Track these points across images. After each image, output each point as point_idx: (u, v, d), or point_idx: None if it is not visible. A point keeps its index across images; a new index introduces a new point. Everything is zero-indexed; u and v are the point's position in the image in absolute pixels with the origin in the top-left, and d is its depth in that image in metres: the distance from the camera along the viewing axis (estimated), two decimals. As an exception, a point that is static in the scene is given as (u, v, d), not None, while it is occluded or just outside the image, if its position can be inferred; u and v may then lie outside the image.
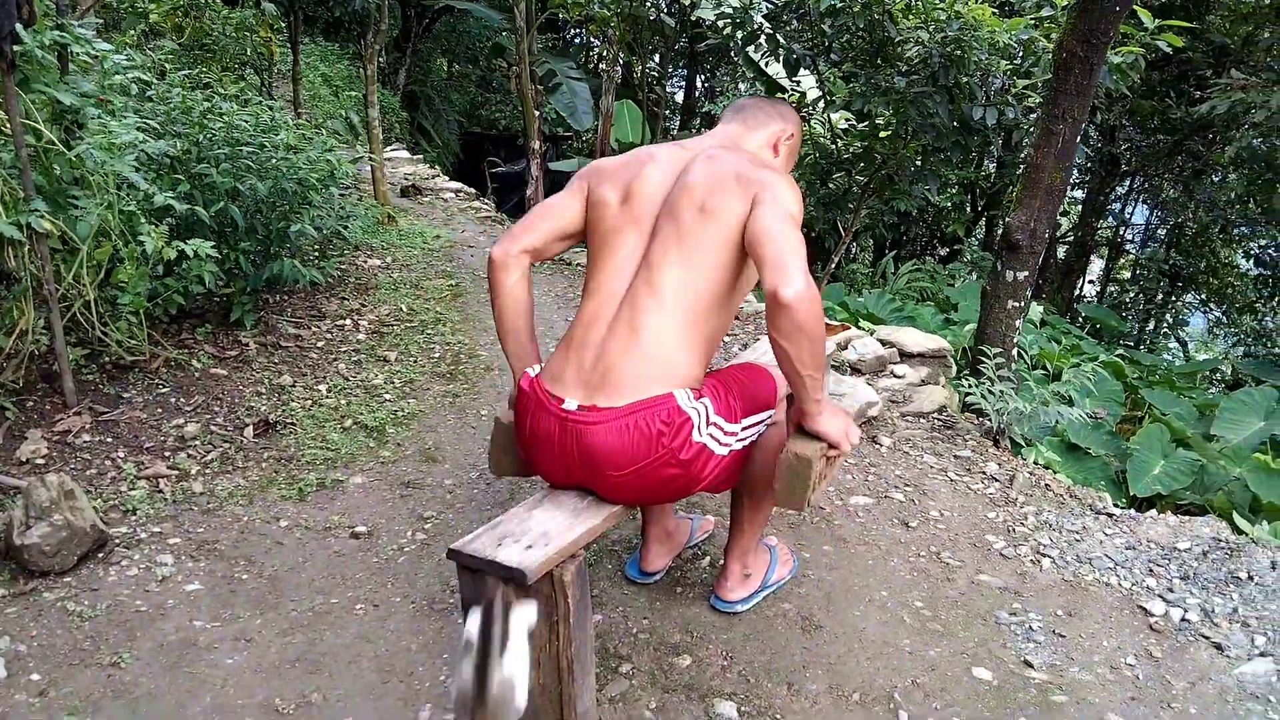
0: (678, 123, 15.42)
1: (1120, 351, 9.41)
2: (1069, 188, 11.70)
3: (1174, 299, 14.55)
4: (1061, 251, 13.19)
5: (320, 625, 2.44)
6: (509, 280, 2.17)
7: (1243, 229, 12.72)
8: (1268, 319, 14.06)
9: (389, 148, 10.33)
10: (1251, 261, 13.30)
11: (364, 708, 2.14)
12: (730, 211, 1.99)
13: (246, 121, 4.27)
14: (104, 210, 3.21)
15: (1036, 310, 8.98)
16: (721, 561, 2.58)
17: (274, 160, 4.13)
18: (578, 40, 15.45)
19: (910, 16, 5.41)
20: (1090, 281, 15.54)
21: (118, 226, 3.28)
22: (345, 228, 4.76)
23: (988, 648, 2.41)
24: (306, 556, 2.76)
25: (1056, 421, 5.15)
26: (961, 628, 2.50)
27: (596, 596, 2.56)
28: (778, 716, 2.14)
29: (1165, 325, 14.79)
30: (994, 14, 5.24)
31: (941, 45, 5.06)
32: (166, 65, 5.60)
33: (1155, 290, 14.31)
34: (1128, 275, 15.42)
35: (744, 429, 2.11)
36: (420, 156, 11.32)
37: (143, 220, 3.36)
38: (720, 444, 2.04)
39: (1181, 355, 14.09)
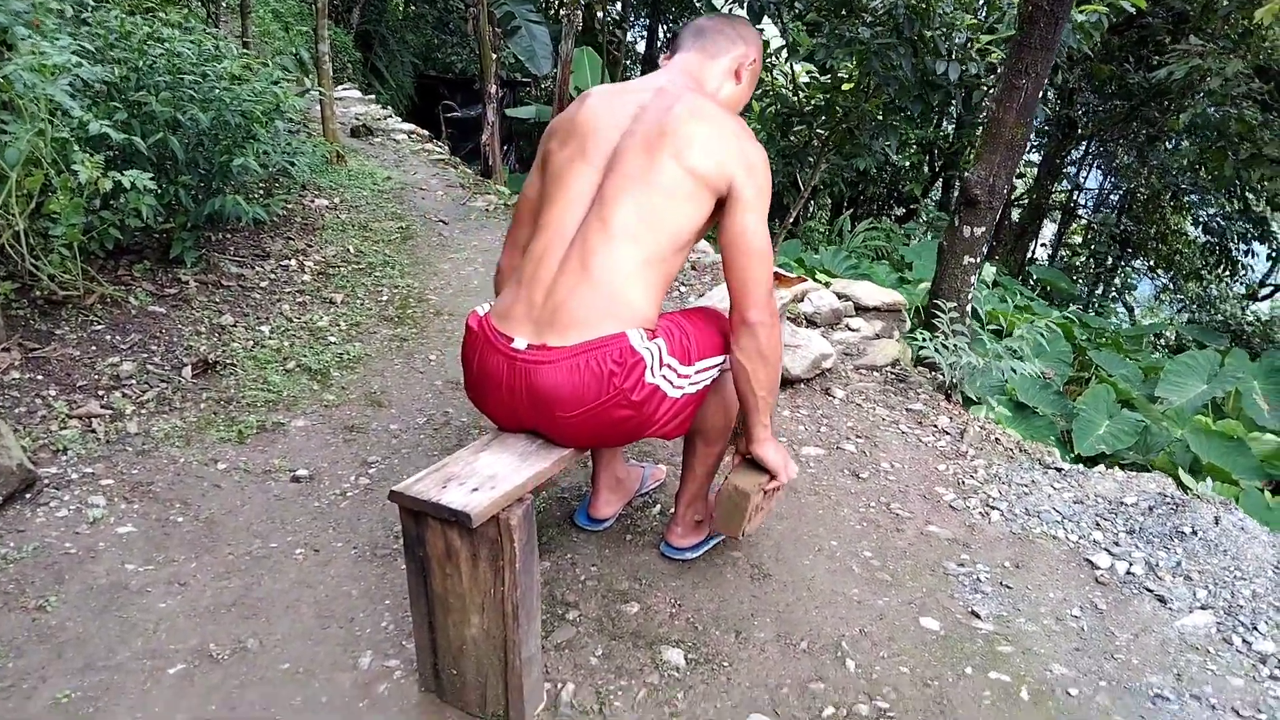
0: (639, 72, 15.18)
1: (1069, 313, 9.52)
2: (1028, 147, 11.78)
3: (1123, 264, 14.76)
4: (1016, 214, 13.27)
5: (258, 570, 2.37)
6: None
7: (1193, 197, 12.88)
8: (1212, 286, 14.36)
9: (340, 87, 10.06)
10: (1200, 229, 13.49)
11: (302, 653, 2.08)
12: (708, 170, 1.94)
13: (189, 49, 4.08)
14: (35, 137, 3.03)
15: (989, 271, 9.03)
16: (672, 510, 2.55)
17: (217, 91, 3.94)
18: (538, -17, 15.08)
19: (876, -33, 5.34)
20: (1042, 245, 15.70)
21: (50, 154, 3.11)
22: (292, 165, 4.59)
23: (935, 598, 2.41)
24: (245, 500, 2.68)
25: (1006, 380, 5.20)
26: (910, 578, 2.49)
27: (545, 543, 2.52)
28: (725, 664, 2.11)
29: (1114, 290, 15.02)
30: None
31: (906, -3, 5.00)
32: (104, -11, 5.33)
33: (1105, 255, 14.49)
34: (1079, 240, 15.61)
35: (698, 371, 2.06)
36: (373, 97, 11.04)
37: (76, 149, 3.18)
38: (674, 386, 1.99)
39: (1128, 319, 14.34)
